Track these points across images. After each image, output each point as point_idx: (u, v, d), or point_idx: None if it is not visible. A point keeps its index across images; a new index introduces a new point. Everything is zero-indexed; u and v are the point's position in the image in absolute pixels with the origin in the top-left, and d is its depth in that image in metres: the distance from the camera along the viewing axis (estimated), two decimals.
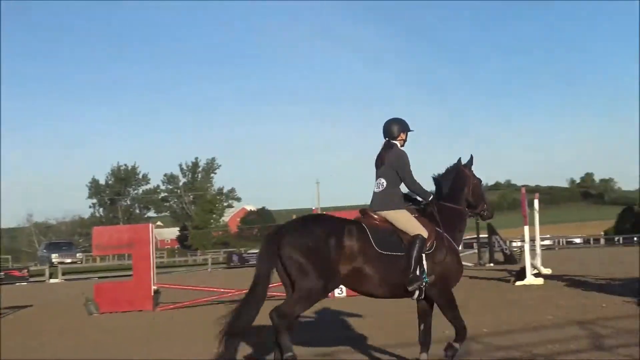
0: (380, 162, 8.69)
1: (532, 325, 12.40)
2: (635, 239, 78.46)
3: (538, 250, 24.95)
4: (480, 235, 38.31)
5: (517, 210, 22.95)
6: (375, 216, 8.51)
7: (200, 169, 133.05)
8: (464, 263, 9.21)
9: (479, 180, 9.25)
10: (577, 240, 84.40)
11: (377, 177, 8.68)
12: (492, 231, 35.85)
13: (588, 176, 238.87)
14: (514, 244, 41.55)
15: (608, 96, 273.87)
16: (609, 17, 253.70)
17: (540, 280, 21.33)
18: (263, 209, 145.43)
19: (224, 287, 21.41)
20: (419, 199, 8.84)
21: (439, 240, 8.50)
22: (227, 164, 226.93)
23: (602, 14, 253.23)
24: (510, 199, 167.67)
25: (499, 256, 35.15)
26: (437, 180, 9.06)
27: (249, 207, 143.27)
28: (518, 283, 21.27)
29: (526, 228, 22.25)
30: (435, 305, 8.63)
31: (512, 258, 33.57)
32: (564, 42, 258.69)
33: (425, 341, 8.62)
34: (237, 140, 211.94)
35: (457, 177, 9.04)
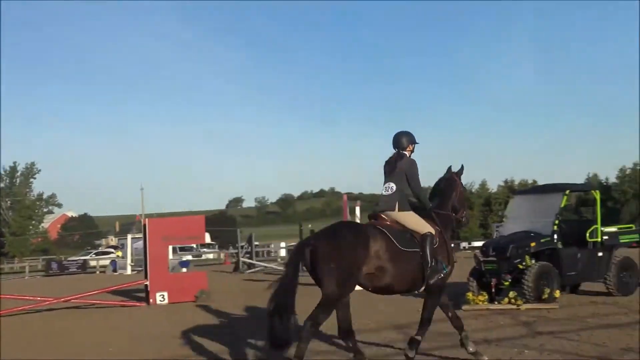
0: (390, 169, 9.40)
1: (361, 329, 12.60)
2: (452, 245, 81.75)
3: None
4: None
5: (341, 217, 23.31)
6: (387, 218, 9.15)
7: (18, 174, 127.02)
8: None
9: (464, 189, 10.21)
10: None
11: (387, 182, 9.37)
12: None
13: None
14: None
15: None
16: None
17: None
18: (85, 215, 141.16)
19: (41, 296, 20.55)
20: (419, 205, 9.46)
21: (441, 238, 9.27)
22: (48, 169, 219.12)
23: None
24: (334, 207, 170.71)
25: None
26: (436, 185, 9.96)
27: (70, 214, 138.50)
28: None
29: None
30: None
31: None
32: None
33: (457, 325, 9.53)
34: (58, 144, 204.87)
35: (449, 185, 9.87)
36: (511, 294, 14.64)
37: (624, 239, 16.41)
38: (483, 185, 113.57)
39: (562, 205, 15.70)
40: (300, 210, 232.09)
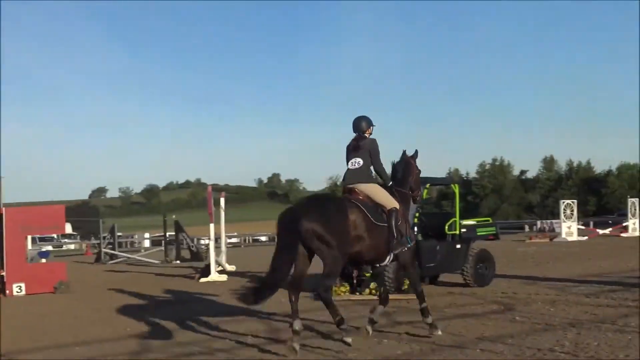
0: (354, 148, 10.29)
1: (213, 321, 12.50)
2: None
3: (223, 247, 25.45)
4: (168, 233, 38.14)
5: (206, 208, 23.13)
6: (359, 193, 10.00)
7: None
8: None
9: (419, 171, 11.18)
10: (263, 238, 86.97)
11: (352, 158, 10.26)
12: (179, 228, 35.91)
13: (275, 176, 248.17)
14: (202, 242, 41.90)
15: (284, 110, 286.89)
16: None
17: (224, 277, 21.70)
18: None
19: None
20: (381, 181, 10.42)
21: (402, 215, 10.13)
22: None
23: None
24: (200, 198, 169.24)
25: (185, 253, 35.26)
26: (394, 166, 10.94)
27: None
28: (202, 280, 21.46)
29: (212, 226, 22.54)
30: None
31: (199, 255, 33.83)
32: None
33: (384, 298, 10.53)
34: None
35: (406, 167, 10.93)
36: (372, 285, 14.87)
37: (481, 232, 16.94)
38: None
39: (423, 197, 16.04)
40: (165, 201, 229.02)
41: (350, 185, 10.15)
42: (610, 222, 51.68)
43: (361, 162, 10.18)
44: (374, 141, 10.37)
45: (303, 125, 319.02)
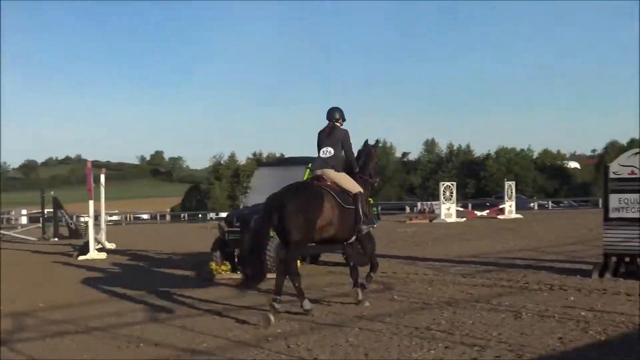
0: (326, 136, 11.26)
1: (89, 300, 12.23)
2: (199, 215, 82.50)
3: (103, 225, 24.89)
4: (46, 210, 37.01)
5: (86, 185, 22.49)
6: (327, 180, 10.99)
7: None
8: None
9: (378, 159, 12.55)
10: (145, 216, 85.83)
11: (324, 146, 11.21)
12: (57, 205, 34.89)
13: (158, 154, 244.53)
14: (82, 219, 40.86)
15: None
16: None
17: (103, 255, 21.26)
18: None
19: None
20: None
21: (365, 198, 11.43)
22: None
23: None
24: (80, 174, 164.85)
25: (64, 231, 34.33)
26: (357, 154, 11.84)
27: None
28: (81, 257, 20.95)
29: (91, 203, 21.97)
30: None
31: (78, 232, 33.01)
32: None
33: (373, 264, 11.96)
34: None
35: (367, 155, 12.00)
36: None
37: None
38: (232, 157, 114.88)
39: (305, 178, 16.04)
40: (44, 177, 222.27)
41: (319, 173, 11.20)
42: (487, 204, 53.14)
43: (332, 151, 11.18)
44: (346, 132, 11.40)
45: (185, 103, 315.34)
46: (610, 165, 13.64)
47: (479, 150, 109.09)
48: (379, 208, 19.16)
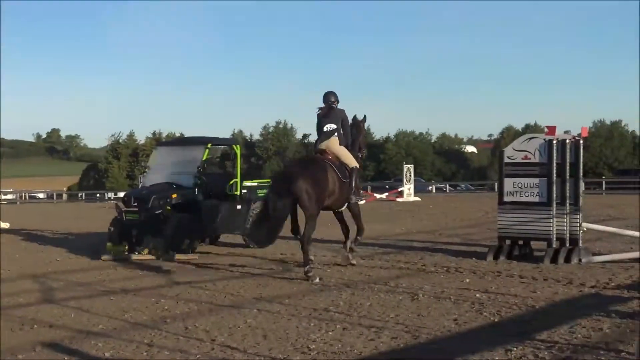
0: (324, 115, 12.87)
1: None
2: (97, 195, 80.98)
3: None
4: None
5: None
6: (330, 153, 12.63)
7: None
8: None
9: (366, 133, 14.74)
10: (41, 195, 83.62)
11: (326, 124, 12.78)
12: None
13: (54, 132, 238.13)
14: None
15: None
16: None
17: None
18: None
19: None
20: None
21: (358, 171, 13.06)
22: None
23: None
24: None
25: None
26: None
27: None
28: None
29: None
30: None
31: None
32: None
33: (346, 233, 13.36)
34: None
35: (358, 129, 13.61)
36: (152, 244, 14.63)
37: (261, 193, 17.03)
38: (131, 136, 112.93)
39: (204, 158, 15.90)
40: None
41: (324, 147, 12.74)
42: (387, 187, 53.92)
43: (334, 127, 12.75)
44: (343, 111, 13.08)
45: (83, 79, 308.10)
46: (505, 150, 13.96)
47: (378, 134, 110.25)
48: None
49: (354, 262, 13.04)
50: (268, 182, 18.90)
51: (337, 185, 12.22)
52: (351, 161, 12.80)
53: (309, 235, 11.62)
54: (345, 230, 13.40)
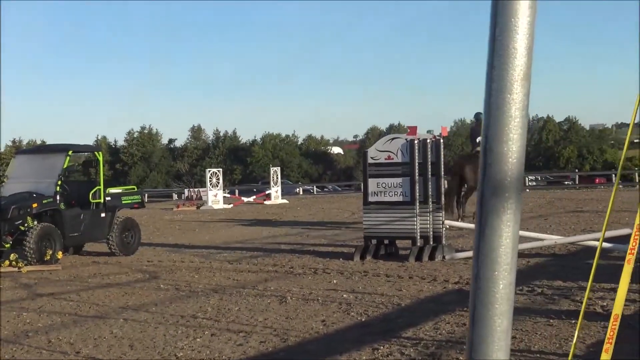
0: (477, 132, 18.44)
1: None
2: None
3: None
4: None
5: None
6: None
7: None
8: None
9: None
10: None
11: (478, 135, 16.61)
12: None
13: None
14: None
15: None
16: None
17: None
18: None
19: None
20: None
21: None
22: None
23: None
24: None
25: None
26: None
27: None
28: None
29: None
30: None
31: None
32: None
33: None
34: None
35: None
36: (12, 256, 14.11)
37: (126, 201, 16.74)
38: None
39: (65, 165, 15.47)
40: None
41: (479, 150, 17.48)
42: (255, 190, 53.92)
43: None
44: None
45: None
46: (368, 151, 14.27)
47: (245, 137, 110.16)
48: (143, 195, 18.78)
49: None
50: (132, 188, 18.64)
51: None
52: None
53: (465, 199, 19.15)
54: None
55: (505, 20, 1.71)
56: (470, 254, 13.53)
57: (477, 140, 18.14)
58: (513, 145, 1.78)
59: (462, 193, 19.51)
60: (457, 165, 19.79)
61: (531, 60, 1.74)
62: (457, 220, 17.50)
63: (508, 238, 1.73)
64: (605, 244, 10.43)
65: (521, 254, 12.55)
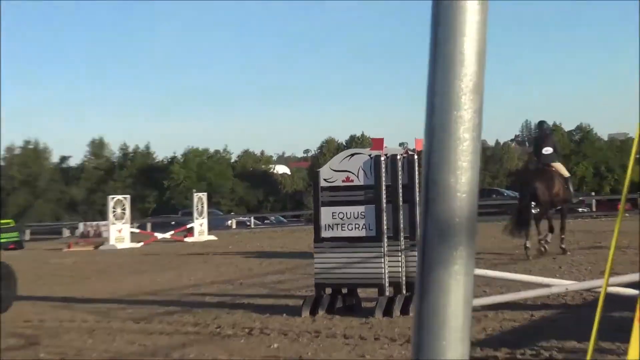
0: (542, 142, 22.29)
1: None
2: None
3: None
4: None
5: None
6: (553, 167, 21.58)
7: None
8: None
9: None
10: None
11: (545, 147, 21.92)
12: None
13: None
14: None
15: None
16: None
17: None
18: None
19: None
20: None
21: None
22: None
23: None
24: None
25: None
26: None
27: None
28: None
29: None
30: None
31: None
32: None
33: (551, 228, 22.03)
34: None
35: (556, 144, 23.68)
36: None
37: (4, 239, 16.59)
38: None
39: None
40: None
41: (548, 163, 21.65)
42: (173, 223, 53.65)
43: (551, 150, 21.80)
44: (554, 137, 24.31)
45: None
46: (321, 171, 13.99)
47: (161, 153, 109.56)
48: (22, 233, 18.62)
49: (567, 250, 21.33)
50: (8, 223, 18.46)
51: (561, 188, 21.23)
52: (565, 172, 22.29)
53: (541, 215, 21.81)
54: (550, 226, 21.81)
55: (449, 20, 1.72)
56: None
57: (544, 151, 21.73)
58: (462, 175, 1.72)
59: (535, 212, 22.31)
60: (525, 183, 22.91)
61: (483, 69, 1.69)
62: (542, 242, 21.13)
63: (459, 296, 1.74)
64: (632, 291, 10.47)
65: (524, 306, 12.62)
